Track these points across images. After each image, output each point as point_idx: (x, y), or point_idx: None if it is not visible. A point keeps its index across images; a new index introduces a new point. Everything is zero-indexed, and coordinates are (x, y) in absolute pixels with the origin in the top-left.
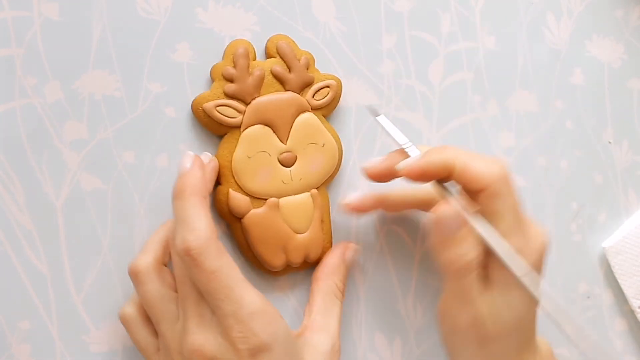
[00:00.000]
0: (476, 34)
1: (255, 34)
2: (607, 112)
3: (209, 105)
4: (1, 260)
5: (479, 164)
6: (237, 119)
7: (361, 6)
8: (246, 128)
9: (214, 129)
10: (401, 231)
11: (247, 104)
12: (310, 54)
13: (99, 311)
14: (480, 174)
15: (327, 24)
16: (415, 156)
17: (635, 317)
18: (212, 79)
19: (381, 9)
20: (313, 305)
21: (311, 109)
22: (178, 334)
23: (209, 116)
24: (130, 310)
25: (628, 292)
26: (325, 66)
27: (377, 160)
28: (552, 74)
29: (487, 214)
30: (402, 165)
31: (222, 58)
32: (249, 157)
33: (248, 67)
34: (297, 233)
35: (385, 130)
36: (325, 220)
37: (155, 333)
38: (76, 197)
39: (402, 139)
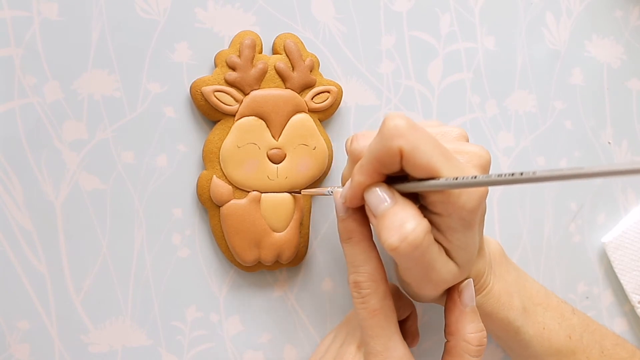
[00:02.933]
0: (475, 34)
1: None
2: (606, 113)
3: (207, 89)
4: (0, 260)
5: (378, 143)
6: (234, 107)
7: (360, 6)
8: (240, 118)
9: (209, 114)
10: None
11: (245, 94)
12: (315, 57)
13: (98, 311)
14: (386, 147)
15: (326, 24)
16: (344, 188)
17: (635, 317)
18: (215, 65)
19: (380, 10)
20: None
21: (308, 110)
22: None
23: (206, 100)
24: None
25: (627, 287)
26: (325, 66)
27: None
28: (552, 74)
29: (422, 171)
30: (341, 198)
31: (229, 46)
32: (239, 147)
33: (252, 58)
34: (274, 231)
35: (313, 194)
36: (304, 224)
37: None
38: (75, 197)
39: (324, 190)
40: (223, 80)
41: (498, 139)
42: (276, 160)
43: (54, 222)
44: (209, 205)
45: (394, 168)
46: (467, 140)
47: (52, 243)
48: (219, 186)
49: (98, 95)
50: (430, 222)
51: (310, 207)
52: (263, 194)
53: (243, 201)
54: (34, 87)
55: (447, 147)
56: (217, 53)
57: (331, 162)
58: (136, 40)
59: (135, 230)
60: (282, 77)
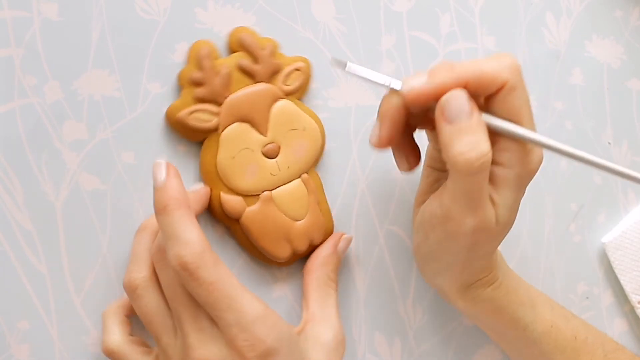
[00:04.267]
0: (475, 34)
1: None
2: (606, 113)
3: (182, 114)
4: (0, 260)
5: (490, 64)
6: (213, 121)
7: (361, 6)
8: (224, 129)
9: (192, 136)
10: (401, 231)
11: (220, 104)
12: (272, 40)
13: (99, 311)
14: (496, 72)
15: (326, 24)
16: (419, 79)
17: (634, 317)
18: (181, 86)
19: (380, 9)
20: (309, 299)
21: (285, 95)
22: (180, 350)
23: (185, 125)
24: (116, 339)
25: (627, 287)
26: (325, 66)
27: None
28: (552, 75)
29: (508, 112)
30: (408, 87)
31: (186, 63)
32: (233, 157)
33: (214, 67)
34: (297, 220)
35: (362, 77)
36: (321, 202)
37: (149, 353)
38: (76, 197)
39: (383, 79)
40: (193, 100)
41: None
42: (272, 155)
43: (54, 222)
44: (227, 221)
45: (482, 92)
46: None
47: (52, 243)
48: (230, 201)
49: (98, 95)
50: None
51: (322, 184)
52: (273, 191)
53: (257, 206)
54: (34, 87)
55: None
56: (178, 74)
57: (324, 134)
58: (136, 40)
59: (135, 230)
60: (249, 74)
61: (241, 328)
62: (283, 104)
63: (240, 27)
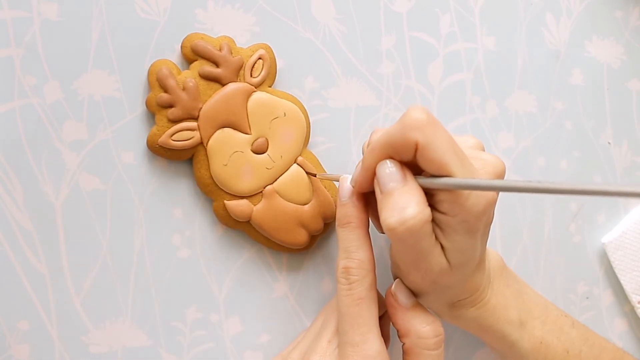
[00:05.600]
0: (475, 34)
1: (254, 35)
2: (606, 113)
3: (163, 139)
4: (0, 260)
5: (395, 131)
6: (195, 137)
7: (360, 7)
8: (208, 140)
9: (179, 157)
10: None
11: (196, 118)
12: (226, 37)
13: (99, 311)
14: (403, 138)
15: (326, 25)
16: (356, 171)
17: (634, 317)
18: (152, 113)
19: (380, 10)
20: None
21: (255, 87)
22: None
23: (169, 149)
24: None
25: (627, 287)
26: (325, 66)
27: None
28: (552, 75)
29: (433, 167)
30: (353, 182)
31: (149, 89)
32: (226, 165)
33: (178, 84)
34: (305, 204)
35: (324, 178)
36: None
37: None
38: (75, 197)
39: (334, 177)
40: (169, 122)
41: (498, 139)
42: (262, 149)
43: (54, 222)
44: (239, 225)
45: (405, 158)
46: (483, 150)
47: (52, 243)
48: (235, 206)
49: (98, 95)
50: (433, 218)
51: (318, 161)
52: (274, 184)
53: (263, 203)
54: (34, 87)
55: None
56: (146, 101)
57: (306, 112)
58: (136, 40)
59: (135, 230)
60: (214, 79)
61: (355, 352)
62: (257, 96)
63: (190, 35)
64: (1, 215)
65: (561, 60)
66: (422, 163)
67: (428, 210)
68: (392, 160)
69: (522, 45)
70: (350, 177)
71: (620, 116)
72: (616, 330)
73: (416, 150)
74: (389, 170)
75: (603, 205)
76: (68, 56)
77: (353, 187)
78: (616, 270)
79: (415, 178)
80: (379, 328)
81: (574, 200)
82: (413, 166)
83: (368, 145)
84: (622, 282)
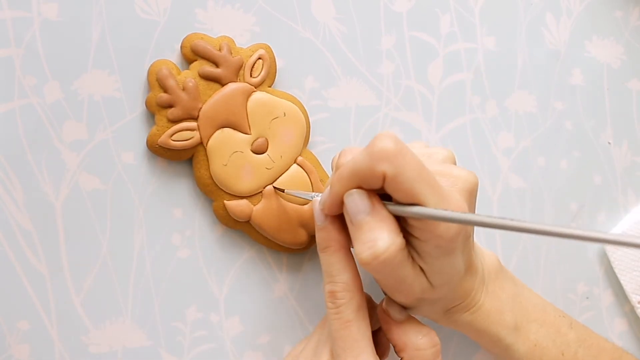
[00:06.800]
0: (475, 34)
1: (254, 35)
2: (606, 113)
3: (162, 139)
4: (0, 260)
5: (362, 163)
6: (195, 137)
7: (360, 6)
8: (208, 140)
9: (179, 157)
10: None
11: (196, 118)
12: (226, 37)
13: (98, 311)
14: (370, 169)
15: (326, 25)
16: (325, 193)
17: (634, 317)
18: (152, 113)
19: (380, 10)
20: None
21: (255, 87)
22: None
23: (168, 149)
24: None
25: (627, 287)
26: (325, 66)
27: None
28: (552, 75)
29: (403, 195)
30: (321, 205)
31: (149, 89)
32: (225, 165)
33: (178, 84)
34: (305, 204)
35: (295, 195)
36: (323, 178)
37: None
38: (75, 197)
39: (308, 195)
40: (168, 122)
41: (498, 139)
42: (262, 149)
43: (54, 222)
44: (239, 225)
45: (374, 187)
46: (454, 163)
47: (52, 243)
48: (235, 206)
49: (98, 95)
50: (409, 242)
51: (318, 161)
52: (274, 184)
53: (262, 203)
54: (34, 87)
55: (433, 168)
56: (146, 101)
57: (306, 112)
58: (136, 40)
59: (135, 230)
60: (214, 79)
61: None
62: (256, 97)
63: (190, 35)
64: (1, 215)
65: (561, 60)
66: (391, 192)
67: (400, 238)
68: (359, 190)
69: (522, 45)
70: (319, 198)
71: (620, 116)
72: (616, 330)
73: (384, 180)
74: (357, 202)
75: (603, 205)
76: (68, 56)
77: (322, 210)
78: (616, 270)
79: (385, 205)
80: (372, 347)
81: (574, 200)
82: (383, 190)
83: (336, 167)
84: (622, 282)
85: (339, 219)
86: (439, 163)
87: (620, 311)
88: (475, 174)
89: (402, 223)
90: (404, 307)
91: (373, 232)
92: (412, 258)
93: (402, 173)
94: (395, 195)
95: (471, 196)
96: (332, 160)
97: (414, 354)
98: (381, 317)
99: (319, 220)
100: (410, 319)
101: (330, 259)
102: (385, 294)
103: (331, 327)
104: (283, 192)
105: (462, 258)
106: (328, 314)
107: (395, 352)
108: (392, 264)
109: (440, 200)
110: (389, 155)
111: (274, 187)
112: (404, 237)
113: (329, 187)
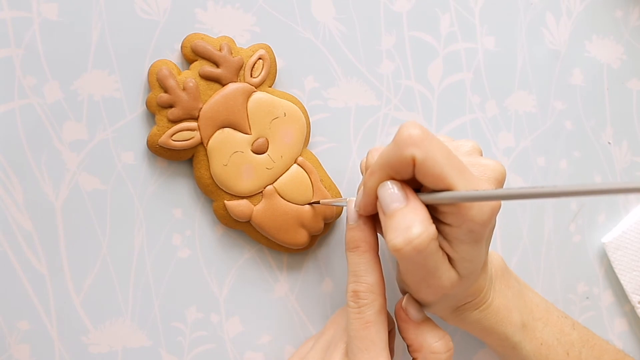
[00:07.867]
0: (475, 34)
1: (254, 35)
2: (606, 113)
3: (163, 139)
4: (0, 260)
5: (391, 154)
6: (196, 137)
7: (360, 7)
8: (208, 140)
9: (180, 157)
10: None
11: (196, 118)
12: (226, 37)
13: (98, 312)
14: (400, 157)
15: (326, 25)
16: (358, 195)
17: (634, 317)
18: (152, 113)
19: (380, 10)
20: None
21: (256, 87)
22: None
23: (169, 149)
24: None
25: (627, 287)
26: (325, 66)
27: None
28: (552, 75)
29: (433, 181)
30: (356, 207)
31: (149, 89)
32: (226, 165)
33: (178, 84)
34: (305, 205)
35: (327, 204)
36: (323, 178)
37: None
38: (75, 197)
39: (341, 201)
40: (169, 122)
41: (498, 139)
42: (262, 149)
43: (54, 222)
44: (239, 225)
45: (405, 175)
46: (481, 154)
47: (52, 243)
48: (236, 206)
49: (98, 95)
50: (439, 230)
51: (318, 161)
52: (274, 184)
53: (263, 203)
54: (34, 87)
55: (461, 160)
56: (146, 101)
57: (306, 112)
58: (136, 40)
59: (135, 230)
60: (214, 79)
61: None
62: (257, 97)
63: (190, 35)
64: (1, 215)
65: (561, 60)
66: (422, 178)
67: (433, 227)
68: (392, 180)
69: (522, 45)
70: (354, 199)
71: (620, 116)
72: (616, 330)
73: (414, 166)
74: (390, 192)
75: (603, 205)
76: (68, 56)
77: (357, 211)
78: (616, 270)
79: (417, 195)
80: (388, 351)
81: (574, 200)
82: (413, 182)
83: (366, 168)
84: (622, 282)
85: (371, 221)
86: (465, 154)
87: (620, 311)
88: (502, 164)
89: (432, 213)
90: (421, 307)
91: (406, 219)
92: (442, 248)
93: (432, 157)
94: (425, 181)
95: (499, 185)
96: (360, 164)
97: (428, 356)
98: (398, 316)
99: (352, 219)
100: (428, 321)
101: (358, 259)
102: (406, 292)
103: (350, 326)
104: (318, 203)
105: (485, 250)
106: (349, 313)
107: (409, 351)
108: (424, 251)
109: (470, 184)
110: (416, 140)
111: (309, 204)
112: (435, 225)
113: (361, 189)
